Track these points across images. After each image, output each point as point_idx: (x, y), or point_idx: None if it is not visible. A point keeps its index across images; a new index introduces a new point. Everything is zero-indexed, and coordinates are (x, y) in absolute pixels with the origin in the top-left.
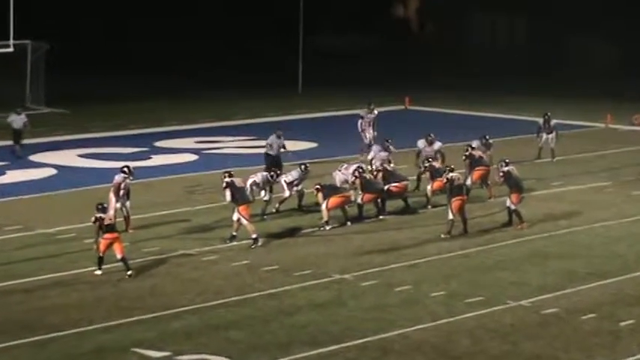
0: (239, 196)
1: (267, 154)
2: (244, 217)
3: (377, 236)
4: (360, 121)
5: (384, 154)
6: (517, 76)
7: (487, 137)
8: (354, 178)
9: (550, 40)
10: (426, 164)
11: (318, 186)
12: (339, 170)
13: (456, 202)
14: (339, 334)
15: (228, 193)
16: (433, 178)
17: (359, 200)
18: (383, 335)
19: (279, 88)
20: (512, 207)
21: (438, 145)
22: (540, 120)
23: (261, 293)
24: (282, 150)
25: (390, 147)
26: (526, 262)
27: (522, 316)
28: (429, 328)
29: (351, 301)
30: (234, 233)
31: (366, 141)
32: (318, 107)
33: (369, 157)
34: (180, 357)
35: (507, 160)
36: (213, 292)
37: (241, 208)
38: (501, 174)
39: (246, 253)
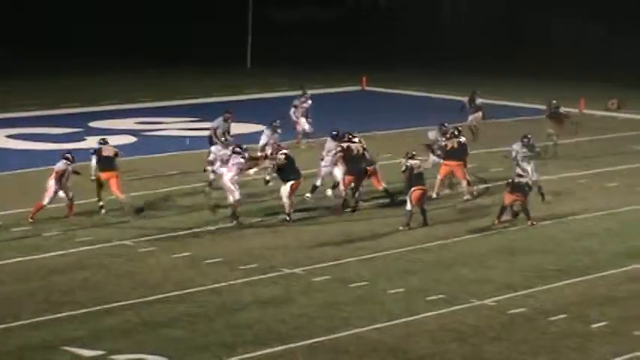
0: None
1: (211, 138)
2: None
3: (330, 228)
4: (293, 110)
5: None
6: (486, 57)
7: (445, 125)
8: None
9: (527, 20)
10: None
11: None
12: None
13: (415, 192)
14: (287, 334)
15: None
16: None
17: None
18: (335, 335)
19: (226, 65)
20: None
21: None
22: (466, 98)
23: (203, 288)
24: (223, 139)
25: (279, 129)
26: (491, 257)
27: (486, 316)
28: (386, 327)
29: (301, 297)
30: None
31: (301, 129)
32: (268, 86)
33: (261, 142)
34: (115, 356)
35: (414, 153)
36: (151, 287)
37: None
38: (403, 168)
39: (187, 244)
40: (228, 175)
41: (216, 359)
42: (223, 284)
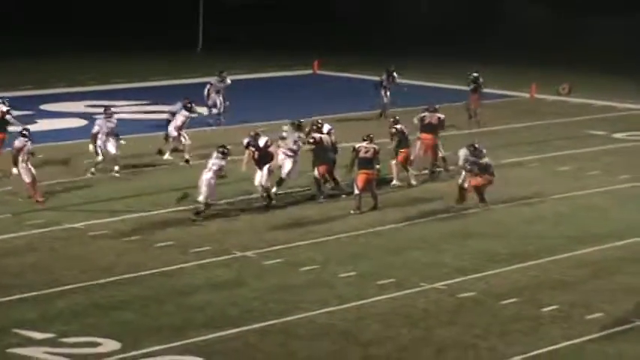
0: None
1: (168, 122)
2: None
3: (282, 212)
4: (208, 87)
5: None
6: (440, 40)
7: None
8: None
9: (479, 3)
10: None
11: None
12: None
13: (360, 176)
14: (239, 317)
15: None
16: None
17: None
18: (287, 318)
19: (177, 47)
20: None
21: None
22: (383, 75)
23: (155, 271)
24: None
25: (193, 107)
26: (442, 241)
27: (437, 299)
28: (337, 311)
29: (253, 280)
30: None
31: (213, 109)
32: (219, 69)
33: (178, 122)
34: (65, 339)
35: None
36: (102, 270)
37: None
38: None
39: (138, 227)
40: (207, 174)
41: (168, 342)
42: (175, 267)
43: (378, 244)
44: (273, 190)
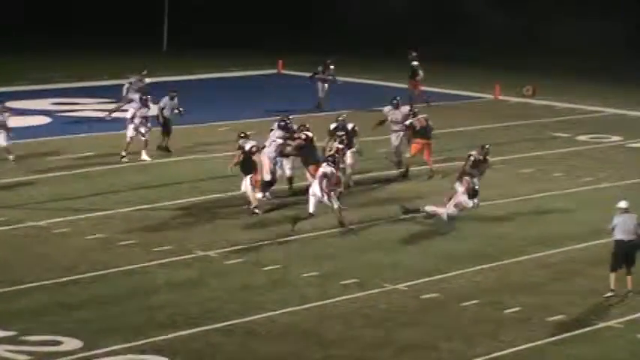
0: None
1: (158, 117)
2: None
3: (245, 211)
4: (126, 86)
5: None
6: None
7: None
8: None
9: (442, 3)
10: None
11: None
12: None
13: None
14: (200, 317)
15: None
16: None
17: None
18: (248, 318)
19: (143, 46)
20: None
21: (405, 109)
22: (320, 67)
23: (117, 270)
24: (176, 111)
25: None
26: (405, 242)
27: (399, 300)
28: (299, 311)
29: (215, 280)
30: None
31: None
32: (184, 69)
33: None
34: (26, 337)
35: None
36: (64, 268)
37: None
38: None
39: (101, 226)
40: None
41: (129, 341)
42: (137, 266)
43: (341, 245)
44: (259, 195)
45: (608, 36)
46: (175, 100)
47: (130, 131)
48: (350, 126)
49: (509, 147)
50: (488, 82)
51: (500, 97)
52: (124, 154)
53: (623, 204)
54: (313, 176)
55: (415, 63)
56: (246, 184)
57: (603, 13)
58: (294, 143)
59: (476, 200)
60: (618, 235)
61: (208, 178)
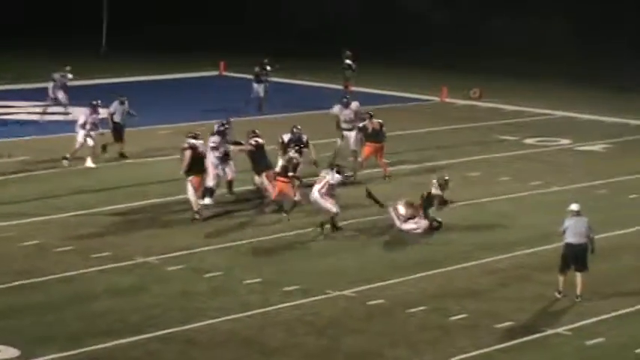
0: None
1: (112, 122)
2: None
3: (185, 216)
4: (52, 84)
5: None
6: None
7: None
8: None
9: (383, 6)
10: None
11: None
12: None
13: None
14: (140, 324)
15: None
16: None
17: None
18: (189, 326)
19: (81, 48)
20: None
21: (355, 105)
22: (256, 68)
23: (54, 277)
24: (130, 114)
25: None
26: (349, 248)
27: (344, 307)
28: (241, 318)
29: (155, 287)
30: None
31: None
32: (123, 71)
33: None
34: None
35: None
36: (0, 274)
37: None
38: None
39: (37, 232)
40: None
41: (68, 350)
42: (74, 273)
43: (284, 251)
44: (205, 201)
45: (557, 38)
46: (126, 104)
47: (80, 137)
48: (305, 138)
49: (455, 150)
50: (434, 85)
51: (447, 100)
52: (68, 155)
53: (574, 207)
54: (264, 182)
55: (348, 62)
56: (189, 188)
57: (553, 14)
58: (245, 148)
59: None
60: (569, 238)
61: (149, 183)
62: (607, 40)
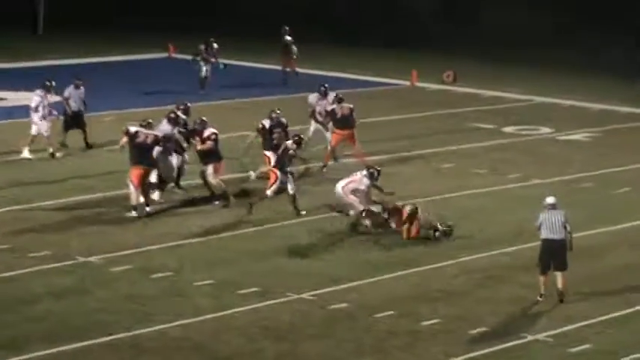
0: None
1: (69, 110)
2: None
3: (131, 212)
4: None
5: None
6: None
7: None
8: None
9: None
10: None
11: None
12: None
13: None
14: (83, 329)
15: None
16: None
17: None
18: (136, 332)
19: (16, 29)
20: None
21: (332, 96)
22: (202, 46)
23: None
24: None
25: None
26: (312, 247)
27: (305, 311)
28: (193, 323)
29: (99, 289)
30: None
31: None
32: (63, 53)
33: (33, 104)
34: None
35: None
36: None
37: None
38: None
39: None
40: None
41: (4, 357)
42: (11, 274)
43: (240, 249)
44: (153, 196)
45: (537, 20)
46: (82, 89)
47: (35, 123)
48: (284, 120)
49: (426, 139)
50: (404, 68)
51: (418, 84)
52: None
53: (550, 200)
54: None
55: (288, 38)
56: (128, 181)
57: None
58: (205, 147)
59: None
60: (545, 233)
61: (93, 175)
62: (587, 25)
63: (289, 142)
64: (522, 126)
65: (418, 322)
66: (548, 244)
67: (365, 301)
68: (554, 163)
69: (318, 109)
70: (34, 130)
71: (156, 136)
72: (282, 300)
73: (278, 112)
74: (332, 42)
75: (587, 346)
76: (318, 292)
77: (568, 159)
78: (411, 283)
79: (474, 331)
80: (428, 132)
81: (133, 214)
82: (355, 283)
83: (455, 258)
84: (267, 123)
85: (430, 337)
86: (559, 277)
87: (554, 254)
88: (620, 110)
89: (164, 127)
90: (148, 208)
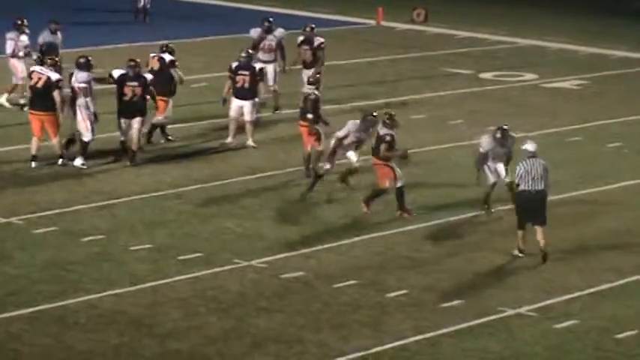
0: None
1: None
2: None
3: (60, 169)
4: None
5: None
6: None
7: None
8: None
9: None
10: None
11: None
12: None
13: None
14: (1, 300)
15: None
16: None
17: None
18: (62, 302)
19: None
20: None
21: (280, 32)
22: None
23: None
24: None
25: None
26: (263, 207)
27: (255, 280)
28: (127, 294)
29: (19, 254)
30: None
31: None
32: None
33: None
34: None
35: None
36: None
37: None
38: None
39: None
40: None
41: None
42: None
43: (181, 209)
44: (77, 162)
45: None
46: (59, 34)
47: (18, 69)
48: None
49: (395, 86)
50: (368, 4)
51: (384, 23)
52: (22, 102)
53: (530, 147)
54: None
55: None
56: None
57: None
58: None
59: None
60: (523, 184)
61: (13, 124)
62: None
63: (305, 88)
64: (503, 72)
65: (383, 293)
66: (526, 195)
67: (323, 269)
68: (538, 114)
69: (260, 45)
70: (19, 76)
71: (48, 77)
72: (229, 267)
73: (249, 51)
74: None
75: (575, 321)
76: (269, 258)
77: (554, 109)
78: (375, 249)
79: (446, 304)
80: (395, 78)
81: (32, 164)
82: (311, 249)
83: (425, 221)
84: (234, 64)
85: (397, 311)
86: (540, 232)
87: (534, 207)
88: (613, 54)
89: (79, 76)
90: (60, 161)
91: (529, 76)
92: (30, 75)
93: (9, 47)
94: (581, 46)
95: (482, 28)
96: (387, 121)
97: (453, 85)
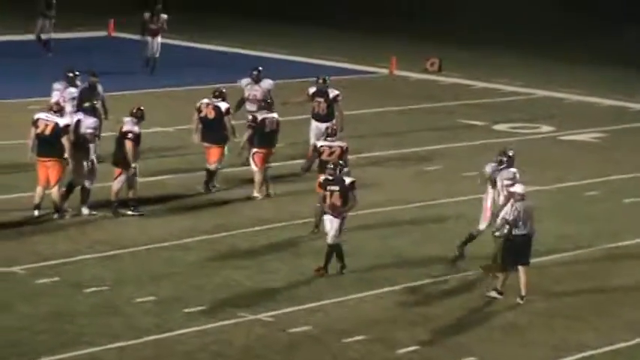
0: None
1: None
2: None
3: (59, 218)
4: None
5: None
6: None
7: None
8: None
9: None
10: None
11: None
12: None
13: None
14: (2, 351)
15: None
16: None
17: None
18: (64, 355)
19: None
20: None
21: (268, 83)
22: (146, 14)
23: None
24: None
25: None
26: (270, 258)
27: (262, 335)
28: (131, 347)
29: (22, 305)
30: None
31: None
32: None
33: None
34: None
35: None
36: None
37: None
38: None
39: None
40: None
41: None
42: None
43: (186, 261)
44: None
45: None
46: (99, 88)
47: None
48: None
49: (406, 137)
50: (382, 54)
51: (397, 73)
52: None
53: (518, 188)
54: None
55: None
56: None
57: None
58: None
59: None
60: (515, 229)
61: (18, 171)
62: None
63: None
64: (519, 123)
65: (393, 349)
66: (519, 239)
67: (331, 323)
68: (554, 168)
69: (246, 94)
70: None
71: (56, 124)
72: (235, 321)
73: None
74: (301, 22)
75: None
76: (276, 312)
77: (571, 163)
78: (386, 304)
79: None
80: (408, 129)
81: (35, 213)
82: (319, 303)
83: (433, 277)
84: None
85: None
86: (523, 272)
87: (523, 250)
88: (633, 107)
89: (87, 122)
90: (55, 215)
91: (546, 128)
92: (35, 123)
93: (54, 98)
94: (599, 97)
95: (497, 78)
96: None
97: (466, 137)
